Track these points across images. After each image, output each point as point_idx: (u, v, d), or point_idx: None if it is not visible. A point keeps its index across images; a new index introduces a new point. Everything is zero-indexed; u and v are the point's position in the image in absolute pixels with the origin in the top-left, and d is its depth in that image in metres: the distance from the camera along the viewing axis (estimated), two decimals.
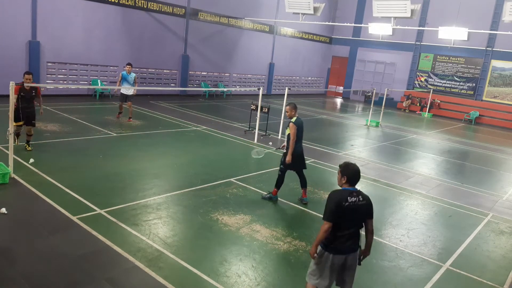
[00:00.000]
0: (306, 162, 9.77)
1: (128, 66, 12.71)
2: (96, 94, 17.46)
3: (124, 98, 12.89)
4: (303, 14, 19.93)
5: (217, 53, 22.90)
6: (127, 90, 12.72)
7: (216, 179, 8.33)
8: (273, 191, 7.57)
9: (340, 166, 4.07)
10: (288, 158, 7.19)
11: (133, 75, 12.81)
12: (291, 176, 8.97)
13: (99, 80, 17.63)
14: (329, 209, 3.87)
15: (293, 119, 7.25)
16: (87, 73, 17.41)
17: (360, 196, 3.94)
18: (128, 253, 5.11)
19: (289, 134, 7.20)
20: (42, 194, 6.59)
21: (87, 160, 8.85)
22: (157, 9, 19.30)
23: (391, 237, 6.60)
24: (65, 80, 16.86)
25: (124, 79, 12.73)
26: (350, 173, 3.96)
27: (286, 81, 28.50)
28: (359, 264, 4.15)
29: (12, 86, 7.05)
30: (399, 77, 28.64)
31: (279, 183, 7.48)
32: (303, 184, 7.62)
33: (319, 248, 4.02)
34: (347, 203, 3.84)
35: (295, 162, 7.33)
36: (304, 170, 7.60)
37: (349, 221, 3.93)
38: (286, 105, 7.57)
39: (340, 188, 4.01)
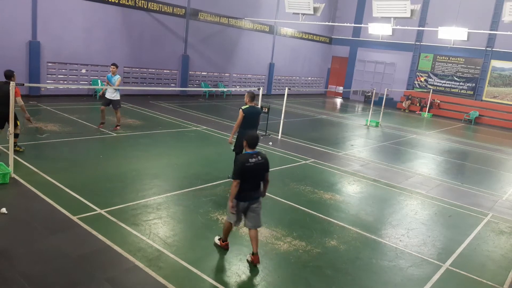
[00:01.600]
0: (306, 161, 9.82)
1: (112, 67, 11.27)
2: (96, 94, 17.42)
3: (108, 102, 11.28)
4: (303, 14, 19.94)
5: (217, 53, 22.91)
6: (111, 94, 11.21)
7: (216, 179, 8.34)
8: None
9: (245, 137, 5.20)
10: (229, 139, 8.00)
11: (117, 77, 11.36)
12: (290, 176, 8.98)
13: (99, 80, 17.63)
14: (236, 170, 5.04)
15: (244, 107, 7.83)
16: (87, 73, 17.41)
17: (259, 157, 5.08)
18: (128, 253, 5.12)
19: None
20: (42, 194, 6.60)
21: (87, 160, 8.86)
22: (157, 9, 19.30)
23: (391, 237, 6.60)
24: (65, 80, 16.87)
25: (109, 82, 11.39)
26: (249, 138, 5.11)
27: (286, 81, 28.51)
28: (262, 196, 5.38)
29: (12, 86, 7.05)
30: (399, 77, 28.65)
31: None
32: None
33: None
34: (249, 164, 4.97)
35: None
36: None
37: (252, 177, 5.07)
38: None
39: (244, 152, 5.15)
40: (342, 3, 30.48)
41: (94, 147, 10.03)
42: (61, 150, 9.48)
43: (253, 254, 5.21)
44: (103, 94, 11.51)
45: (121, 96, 14.20)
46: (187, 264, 5.03)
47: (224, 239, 5.49)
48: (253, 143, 5.12)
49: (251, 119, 7.82)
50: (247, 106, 7.85)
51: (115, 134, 11.25)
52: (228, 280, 4.81)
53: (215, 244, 5.58)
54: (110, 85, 11.32)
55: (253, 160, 5.01)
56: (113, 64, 11.35)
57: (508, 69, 24.54)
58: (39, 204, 6.28)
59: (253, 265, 5.18)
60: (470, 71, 25.80)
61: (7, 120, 7.75)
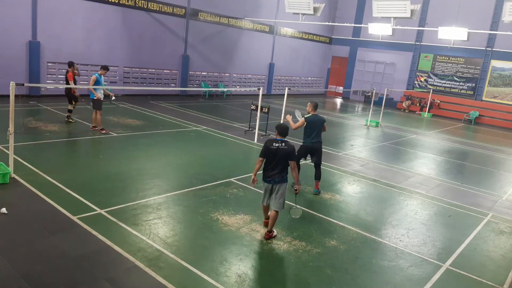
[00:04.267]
0: (307, 161, 9.83)
1: (103, 70, 11.04)
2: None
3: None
4: (303, 14, 19.93)
5: (217, 53, 22.91)
6: (102, 94, 11.18)
7: (216, 179, 8.34)
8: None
9: (276, 125, 6.07)
10: (287, 117, 8.42)
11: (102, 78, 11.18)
12: (290, 176, 8.95)
13: None
14: (261, 150, 5.92)
15: (306, 115, 8.14)
16: (87, 73, 17.39)
17: (283, 143, 5.87)
18: (128, 253, 5.12)
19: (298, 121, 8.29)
20: (42, 194, 6.60)
21: (87, 160, 8.86)
22: (157, 9, 19.30)
23: (391, 237, 6.60)
24: (65, 80, 16.84)
25: (98, 83, 10.88)
26: (279, 128, 5.96)
27: (286, 81, 28.51)
28: (296, 192, 6.09)
29: (12, 86, 7.05)
30: (399, 77, 28.65)
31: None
32: (316, 176, 8.28)
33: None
34: (272, 147, 5.83)
35: (304, 154, 8.26)
36: (320, 165, 8.38)
37: (274, 160, 5.82)
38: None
39: (274, 138, 5.97)
40: (342, 3, 30.48)
41: (94, 147, 10.04)
42: (61, 150, 9.49)
43: (267, 230, 6.02)
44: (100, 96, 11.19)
45: (121, 96, 14.25)
46: (187, 264, 5.03)
47: (265, 217, 6.25)
48: (283, 132, 5.96)
49: (314, 127, 8.06)
50: (310, 115, 8.08)
51: (115, 134, 11.25)
52: (228, 280, 4.81)
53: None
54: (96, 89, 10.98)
55: (277, 145, 5.82)
56: (105, 68, 11.17)
57: (508, 69, 24.53)
58: (39, 204, 6.29)
59: (264, 238, 5.94)
60: (470, 71, 25.79)
61: (73, 98, 11.97)
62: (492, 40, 24.66)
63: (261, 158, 5.91)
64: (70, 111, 12.13)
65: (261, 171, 6.00)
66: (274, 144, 5.82)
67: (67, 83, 11.94)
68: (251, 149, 11.61)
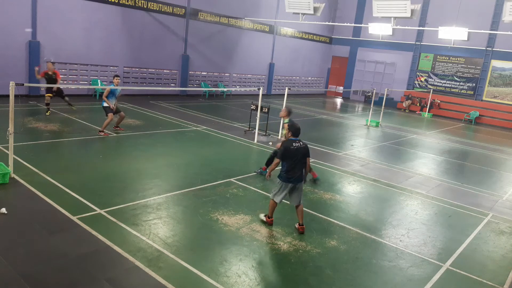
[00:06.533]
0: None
1: (116, 79, 10.95)
2: (96, 94, 17.45)
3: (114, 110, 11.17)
4: (303, 14, 19.92)
5: (217, 53, 22.90)
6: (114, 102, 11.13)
7: (216, 179, 8.33)
8: (263, 167, 8.95)
9: (288, 125, 6.39)
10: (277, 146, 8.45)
11: (119, 89, 11.20)
12: None
13: (99, 80, 17.64)
14: (281, 151, 6.18)
15: (286, 120, 8.50)
16: (87, 73, 17.42)
17: (300, 143, 6.22)
18: (128, 253, 5.11)
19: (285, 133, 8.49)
20: (42, 194, 6.59)
21: (87, 160, 8.85)
22: (157, 9, 19.30)
23: (391, 237, 6.60)
24: (65, 80, 16.85)
25: (112, 95, 10.94)
26: (293, 129, 6.25)
27: (286, 81, 28.50)
28: (304, 182, 6.45)
29: (12, 86, 7.04)
30: (399, 77, 28.64)
31: (269, 162, 8.71)
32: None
33: (279, 180, 6.24)
34: (292, 147, 6.10)
35: None
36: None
37: (295, 160, 6.11)
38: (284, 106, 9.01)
39: (289, 139, 6.27)
40: (342, 3, 30.47)
41: (94, 147, 10.02)
42: (61, 150, 9.48)
43: (299, 224, 6.30)
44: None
45: (121, 95, 14.26)
46: (187, 264, 5.02)
47: (270, 216, 6.41)
48: (297, 132, 6.26)
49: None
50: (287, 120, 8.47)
51: (115, 134, 11.24)
52: (228, 280, 4.80)
53: (261, 221, 6.46)
54: (109, 99, 10.96)
55: (296, 145, 6.13)
56: (117, 76, 11.08)
57: (508, 69, 24.52)
58: (39, 204, 6.28)
59: (299, 233, 6.21)
60: (470, 71, 25.79)
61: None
62: (492, 40, 24.66)
63: (278, 160, 6.17)
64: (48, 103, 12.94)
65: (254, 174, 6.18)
66: (293, 144, 6.11)
67: (52, 82, 12.79)
68: (251, 149, 11.61)
